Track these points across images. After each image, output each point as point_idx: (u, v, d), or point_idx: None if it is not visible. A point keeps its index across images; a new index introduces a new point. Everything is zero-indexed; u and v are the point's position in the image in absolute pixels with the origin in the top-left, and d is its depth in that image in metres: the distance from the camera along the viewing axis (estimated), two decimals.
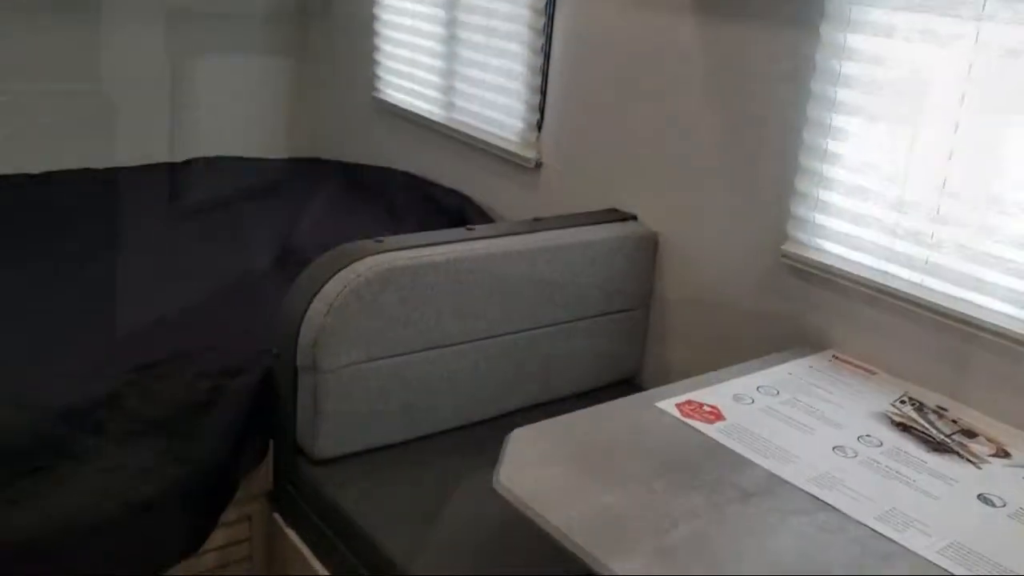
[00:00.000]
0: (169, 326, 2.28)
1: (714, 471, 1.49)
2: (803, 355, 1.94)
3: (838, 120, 1.89)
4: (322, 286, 1.93)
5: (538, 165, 2.65)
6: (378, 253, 1.99)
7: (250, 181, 3.24)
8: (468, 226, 2.22)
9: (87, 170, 3.16)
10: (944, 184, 1.74)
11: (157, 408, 2.00)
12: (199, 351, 2.16)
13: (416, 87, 3.09)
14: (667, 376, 2.35)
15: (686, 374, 1.98)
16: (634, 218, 2.38)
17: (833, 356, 1.94)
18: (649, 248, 2.34)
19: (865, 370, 1.88)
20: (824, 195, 1.94)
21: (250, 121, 3.62)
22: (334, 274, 1.94)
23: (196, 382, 2.06)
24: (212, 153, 3.46)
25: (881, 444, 1.60)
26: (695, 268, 2.26)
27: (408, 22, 3.07)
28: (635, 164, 2.37)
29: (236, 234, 2.79)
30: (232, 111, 3.56)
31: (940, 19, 1.69)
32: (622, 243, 2.28)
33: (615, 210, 2.42)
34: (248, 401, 2.05)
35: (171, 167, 3.32)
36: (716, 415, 1.67)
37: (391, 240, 2.06)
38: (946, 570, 1.27)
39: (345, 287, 1.90)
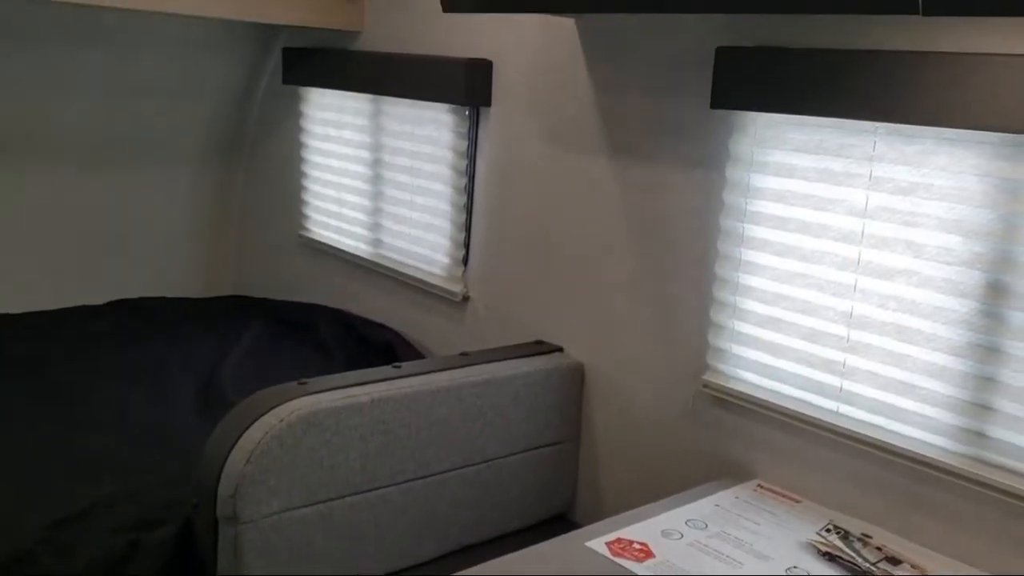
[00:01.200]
0: (86, 476, 2.19)
1: None
2: (729, 485, 1.95)
3: (748, 254, 1.97)
4: (242, 433, 1.89)
5: (465, 299, 2.68)
6: (301, 396, 1.96)
7: (174, 322, 3.19)
8: (394, 364, 2.21)
9: (3, 316, 3.08)
10: (851, 314, 1.81)
11: (73, 566, 1.90)
12: (117, 502, 2.07)
13: (343, 225, 3.13)
14: (600, 509, 2.33)
15: (619, 506, 1.97)
16: (560, 350, 2.41)
17: (758, 485, 1.95)
18: (576, 379, 2.36)
19: (790, 499, 1.90)
20: (739, 326, 2.00)
21: (175, 260, 3.60)
22: (255, 420, 1.91)
23: (113, 536, 1.97)
24: (135, 294, 3.42)
25: None
26: (622, 399, 2.28)
27: (335, 163, 3.13)
28: (559, 296, 2.41)
29: (158, 377, 2.72)
30: (156, 250, 3.55)
31: (835, 159, 1.80)
32: (549, 375, 2.30)
33: (542, 342, 2.45)
34: (167, 555, 1.96)
35: (92, 310, 3.26)
36: (646, 552, 1.66)
37: (315, 382, 2.04)
38: None
39: (266, 433, 1.87)
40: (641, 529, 1.74)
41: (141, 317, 3.24)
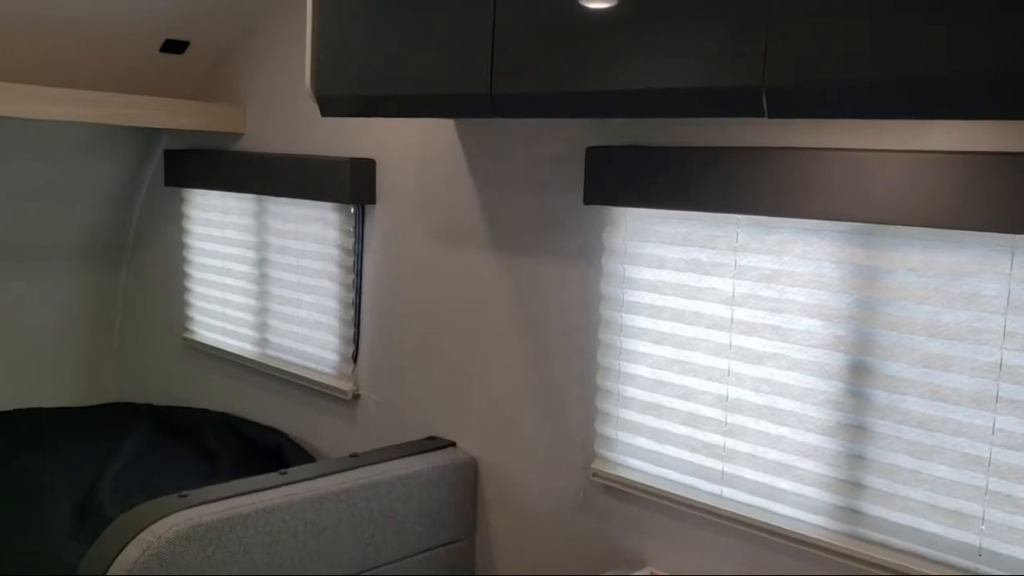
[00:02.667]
0: None
1: None
2: (623, 572, 1.95)
3: (628, 343, 2.02)
4: (119, 552, 1.80)
5: (355, 397, 2.64)
6: (181, 510, 1.88)
7: (51, 434, 3.03)
8: (281, 470, 2.15)
9: None
10: (727, 397, 1.86)
11: None
12: None
13: (229, 326, 3.07)
14: None
15: None
16: (453, 444, 2.39)
17: (651, 573, 1.96)
18: (470, 475, 2.34)
19: None
20: (624, 414, 2.04)
21: (54, 368, 3.44)
22: (133, 537, 1.82)
23: None
24: (9, 406, 3.24)
25: None
26: (515, 491, 2.27)
27: (219, 263, 3.08)
28: (451, 390, 2.41)
29: (33, 499, 2.57)
30: (33, 358, 3.39)
31: (702, 250, 1.88)
32: (442, 472, 2.27)
33: (435, 437, 2.43)
34: None
35: None
36: None
37: (196, 493, 1.96)
38: None
39: (144, 552, 1.78)
40: None
41: (15, 431, 3.06)
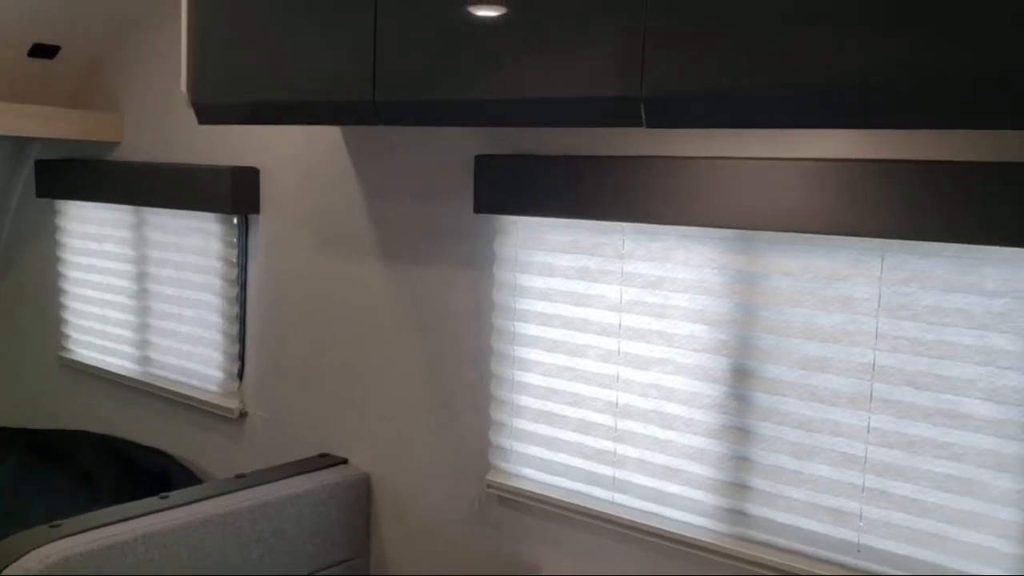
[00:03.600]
0: None
1: None
2: None
3: (520, 351, 2.01)
4: None
5: (242, 415, 2.55)
6: (53, 540, 1.78)
7: None
8: (162, 494, 2.06)
9: None
10: (617, 404, 1.87)
11: None
12: None
13: (107, 343, 2.93)
14: None
15: None
16: (345, 461, 2.34)
17: None
18: (362, 491, 2.29)
19: None
20: (518, 423, 2.03)
21: None
22: (0, 572, 1.71)
23: None
24: None
25: None
26: (410, 506, 2.23)
27: (96, 278, 2.94)
28: (342, 405, 2.35)
29: None
30: None
31: (590, 258, 1.89)
32: (333, 490, 2.21)
33: (326, 455, 2.37)
34: None
35: None
36: None
37: (71, 522, 1.86)
38: None
39: None
40: None
41: None
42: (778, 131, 1.63)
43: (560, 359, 1.96)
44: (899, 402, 1.53)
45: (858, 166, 1.49)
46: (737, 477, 1.73)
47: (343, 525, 2.23)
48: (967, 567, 1.49)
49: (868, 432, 1.57)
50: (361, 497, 2.28)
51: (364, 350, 2.30)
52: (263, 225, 2.48)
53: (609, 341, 1.88)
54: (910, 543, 1.54)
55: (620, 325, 1.86)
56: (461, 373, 2.13)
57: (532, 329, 1.99)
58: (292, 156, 2.40)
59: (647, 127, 1.42)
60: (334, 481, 2.23)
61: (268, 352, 2.50)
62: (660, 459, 1.82)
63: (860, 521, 1.59)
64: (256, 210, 2.48)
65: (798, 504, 1.65)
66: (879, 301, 1.54)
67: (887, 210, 1.47)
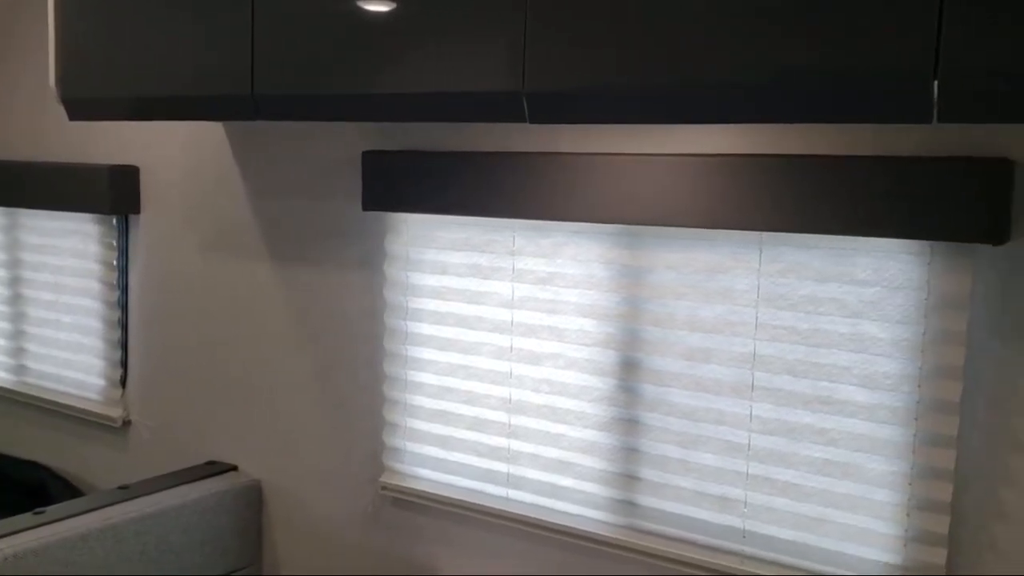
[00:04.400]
0: None
1: None
2: None
3: (413, 351, 1.99)
4: None
5: (126, 423, 2.45)
6: None
7: None
8: (36, 509, 1.95)
9: None
10: (510, 400, 1.87)
11: None
12: None
13: None
14: None
15: None
16: (234, 468, 2.27)
17: None
18: (253, 498, 2.22)
19: None
20: (412, 423, 2.00)
21: None
22: None
23: None
24: None
25: None
26: (303, 512, 2.18)
27: None
28: (231, 411, 2.28)
29: None
30: None
31: (482, 255, 1.88)
32: (222, 498, 2.14)
33: (214, 462, 2.29)
34: None
35: None
36: None
37: None
38: None
39: None
40: None
41: None
42: (661, 127, 1.66)
43: (453, 357, 1.94)
44: (779, 390, 1.58)
45: (737, 161, 1.53)
46: (627, 468, 1.75)
47: (233, 533, 2.17)
48: (846, 548, 1.54)
49: (750, 420, 1.61)
50: (252, 504, 2.22)
51: (253, 354, 2.23)
52: (144, 226, 2.39)
53: (502, 338, 1.88)
54: (792, 527, 1.58)
55: (512, 322, 1.86)
56: (354, 375, 2.09)
57: (425, 328, 1.97)
58: (174, 154, 2.32)
59: (531, 122, 1.42)
60: (223, 489, 2.16)
61: (152, 358, 2.41)
62: (553, 453, 1.83)
63: (745, 507, 1.63)
64: (136, 210, 2.38)
65: (685, 493, 1.69)
66: (758, 292, 1.58)
67: (764, 204, 1.51)
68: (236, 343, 2.26)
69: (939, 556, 1.46)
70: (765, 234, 1.57)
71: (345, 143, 2.03)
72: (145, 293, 2.41)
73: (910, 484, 1.47)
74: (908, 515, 1.48)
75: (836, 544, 1.55)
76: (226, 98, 1.68)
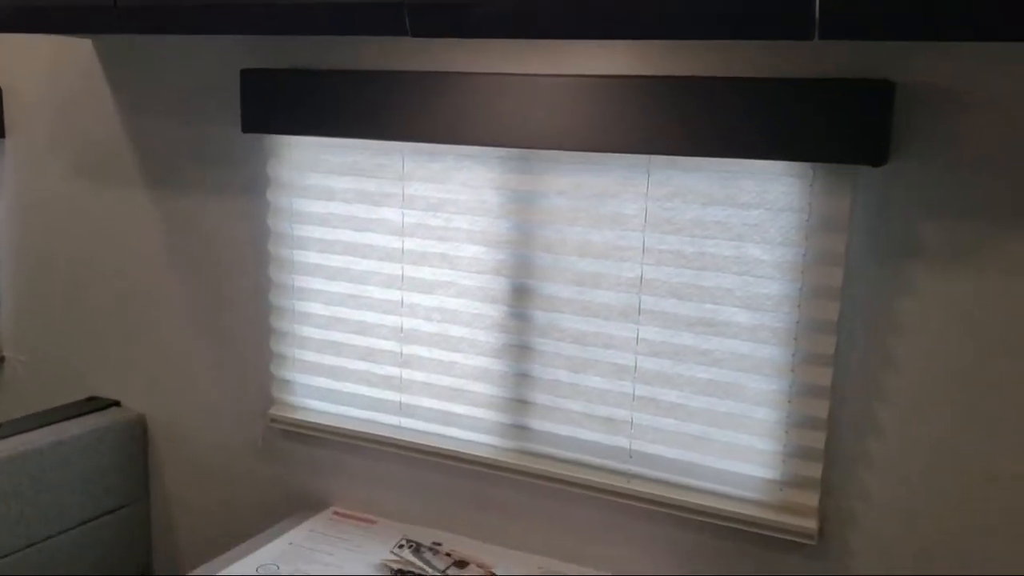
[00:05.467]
0: None
1: None
2: (305, 518, 1.89)
3: (300, 280, 1.93)
4: None
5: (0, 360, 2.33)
6: None
7: None
8: None
9: None
10: (402, 329, 1.84)
11: None
12: None
13: None
14: (182, 566, 2.15)
15: (201, 561, 1.82)
16: (116, 404, 2.18)
17: (334, 513, 1.92)
18: (137, 434, 2.15)
19: (365, 521, 1.89)
20: (301, 354, 1.95)
21: None
22: None
23: None
24: None
25: None
26: (190, 447, 2.12)
27: None
28: (110, 345, 2.18)
29: None
30: None
31: (370, 180, 1.82)
32: (103, 434, 2.06)
33: (95, 398, 2.20)
34: None
35: None
36: None
37: None
38: None
39: None
40: None
41: None
42: (550, 46, 1.62)
43: (343, 287, 1.89)
44: (665, 313, 1.59)
45: (624, 82, 1.51)
46: (518, 393, 1.75)
47: (117, 470, 2.09)
48: (728, 465, 1.58)
49: (637, 343, 1.62)
50: (136, 440, 2.14)
51: (132, 284, 2.13)
52: (9, 151, 2.23)
53: (392, 266, 1.84)
54: (676, 446, 1.62)
55: (403, 249, 1.82)
56: (240, 306, 2.02)
57: (312, 257, 1.91)
58: (40, 73, 2.16)
59: (412, 36, 1.37)
60: (104, 425, 2.07)
61: (24, 290, 2.28)
62: (445, 381, 1.82)
63: (631, 428, 1.65)
64: (1, 134, 2.22)
65: (575, 415, 1.70)
66: (646, 217, 1.58)
67: (651, 126, 1.49)
68: (114, 274, 2.15)
69: (815, 470, 1.51)
70: (653, 158, 1.56)
71: (223, 61, 1.92)
72: (13, 222, 2.26)
73: (789, 402, 1.52)
74: (787, 432, 1.53)
75: (718, 462, 1.59)
76: (87, 8, 1.56)
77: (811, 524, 1.51)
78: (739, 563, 1.61)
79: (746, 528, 1.56)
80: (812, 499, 1.52)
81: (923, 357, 1.42)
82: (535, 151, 1.66)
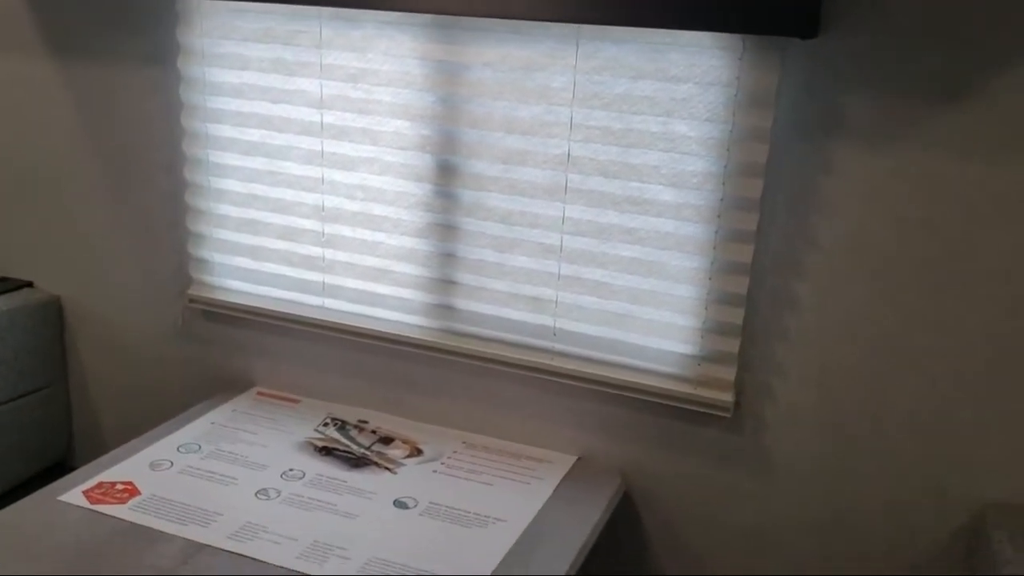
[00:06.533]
0: None
1: (124, 558, 1.34)
2: (228, 399, 1.87)
3: (216, 156, 1.85)
4: None
5: None
6: None
7: None
8: None
9: None
10: (323, 207, 1.79)
11: None
12: None
13: None
14: (102, 449, 2.13)
15: (121, 443, 1.79)
16: (30, 284, 2.10)
17: (258, 393, 1.91)
18: (52, 315, 2.08)
19: (289, 400, 1.88)
20: (219, 233, 1.89)
21: None
22: None
23: None
24: None
25: (304, 475, 1.59)
26: (108, 328, 2.06)
27: None
28: (20, 225, 2.08)
29: None
30: None
31: (286, 48, 1.73)
32: (15, 316, 1.99)
33: (6, 279, 2.11)
34: None
35: None
36: (131, 491, 1.52)
37: None
38: None
39: None
40: (128, 467, 1.60)
41: None
42: None
43: (259, 162, 1.82)
44: (591, 191, 1.57)
45: None
46: (444, 273, 1.73)
47: (32, 353, 2.03)
48: (649, 342, 1.60)
49: (563, 222, 1.60)
50: (51, 321, 2.08)
51: (38, 160, 2.02)
52: None
53: (311, 141, 1.76)
54: (600, 324, 1.62)
55: (322, 123, 1.75)
56: (153, 183, 1.93)
57: (227, 131, 1.83)
58: None
59: None
60: (16, 306, 2.00)
61: None
62: (370, 261, 1.78)
63: (556, 307, 1.65)
64: None
65: (501, 295, 1.69)
66: (574, 91, 1.54)
67: None
68: (18, 150, 2.03)
69: (732, 346, 1.54)
70: (582, 29, 1.50)
71: None
72: None
73: (710, 279, 1.53)
74: (706, 308, 1.54)
75: (640, 338, 1.61)
76: None
77: (727, 397, 1.55)
78: (658, 436, 1.65)
79: (665, 402, 1.59)
80: (729, 373, 1.55)
81: (842, 234, 1.44)
82: (460, 19, 1.58)
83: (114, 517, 1.44)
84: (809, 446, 1.54)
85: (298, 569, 1.33)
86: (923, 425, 1.46)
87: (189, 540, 1.39)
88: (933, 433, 1.46)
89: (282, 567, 1.34)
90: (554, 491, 1.60)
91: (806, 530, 1.58)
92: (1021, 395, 1.39)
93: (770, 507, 1.60)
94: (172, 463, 1.61)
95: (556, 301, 1.65)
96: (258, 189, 1.84)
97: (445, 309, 1.75)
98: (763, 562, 1.63)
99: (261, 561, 1.35)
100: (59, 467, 2.16)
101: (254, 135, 1.81)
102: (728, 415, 1.55)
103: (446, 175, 1.68)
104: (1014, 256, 1.35)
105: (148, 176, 1.93)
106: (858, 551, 1.55)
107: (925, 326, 1.42)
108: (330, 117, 1.73)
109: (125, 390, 2.08)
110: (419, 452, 1.70)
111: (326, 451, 1.68)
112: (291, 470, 1.61)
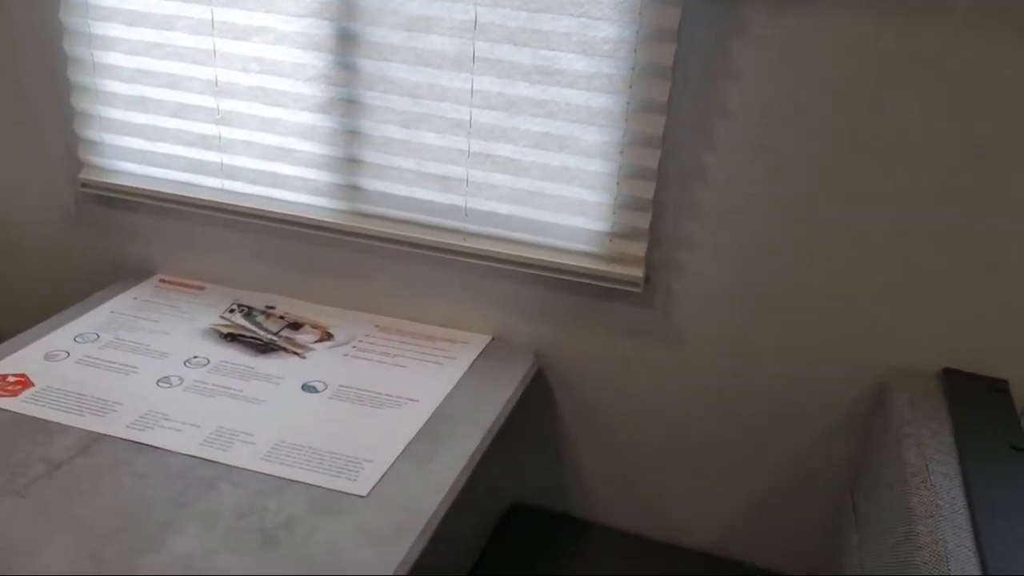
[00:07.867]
0: None
1: (19, 451, 1.29)
2: (128, 287, 1.79)
3: (97, 27, 1.71)
4: None
5: None
6: None
7: None
8: None
9: None
10: (216, 82, 1.68)
11: None
12: None
13: None
14: None
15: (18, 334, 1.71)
16: None
17: (160, 280, 1.83)
18: None
19: (193, 287, 1.81)
20: (107, 112, 1.77)
21: None
22: None
23: None
24: None
25: (208, 362, 1.54)
26: None
27: None
28: None
29: None
30: None
31: None
32: None
33: None
34: None
35: None
36: (23, 383, 1.45)
37: None
38: (269, 474, 1.27)
39: None
40: (20, 359, 1.52)
41: None
42: None
43: (146, 33, 1.69)
44: (500, 61, 1.49)
45: None
46: (348, 152, 1.65)
47: None
48: (560, 219, 1.57)
49: (472, 95, 1.53)
50: None
51: None
52: None
53: (201, 9, 1.64)
54: (512, 202, 1.58)
55: None
56: (30, 58, 1.79)
57: (113, 1, 1.69)
58: None
59: None
60: None
61: None
62: (269, 140, 1.69)
63: (467, 185, 1.60)
64: None
65: (409, 174, 1.63)
66: None
67: None
68: None
69: (643, 221, 1.52)
70: None
71: None
72: None
73: (621, 153, 1.49)
74: (618, 184, 1.51)
75: (551, 216, 1.57)
76: None
77: (638, 273, 1.54)
78: (570, 313, 1.64)
79: (577, 279, 1.57)
80: (640, 249, 1.53)
81: (753, 102, 1.41)
82: None
83: (5, 410, 1.38)
84: (717, 318, 1.55)
85: (201, 455, 1.30)
86: (828, 295, 1.48)
87: (86, 431, 1.34)
88: (838, 303, 1.48)
89: (184, 454, 1.30)
90: (467, 371, 1.58)
91: (714, 399, 1.61)
92: (922, 263, 1.41)
93: (679, 377, 1.61)
94: (68, 353, 1.54)
95: (467, 180, 1.59)
96: (145, 63, 1.71)
97: (351, 189, 1.68)
98: (672, 429, 1.66)
99: (161, 449, 1.31)
100: None
101: (137, 3, 1.67)
102: (639, 290, 1.55)
103: (346, 44, 1.58)
104: (924, 120, 1.34)
105: (22, 50, 1.78)
106: (767, 417, 1.59)
107: (834, 195, 1.42)
108: None
109: (19, 280, 1.98)
110: (329, 336, 1.66)
111: (232, 337, 1.63)
112: (195, 357, 1.56)
